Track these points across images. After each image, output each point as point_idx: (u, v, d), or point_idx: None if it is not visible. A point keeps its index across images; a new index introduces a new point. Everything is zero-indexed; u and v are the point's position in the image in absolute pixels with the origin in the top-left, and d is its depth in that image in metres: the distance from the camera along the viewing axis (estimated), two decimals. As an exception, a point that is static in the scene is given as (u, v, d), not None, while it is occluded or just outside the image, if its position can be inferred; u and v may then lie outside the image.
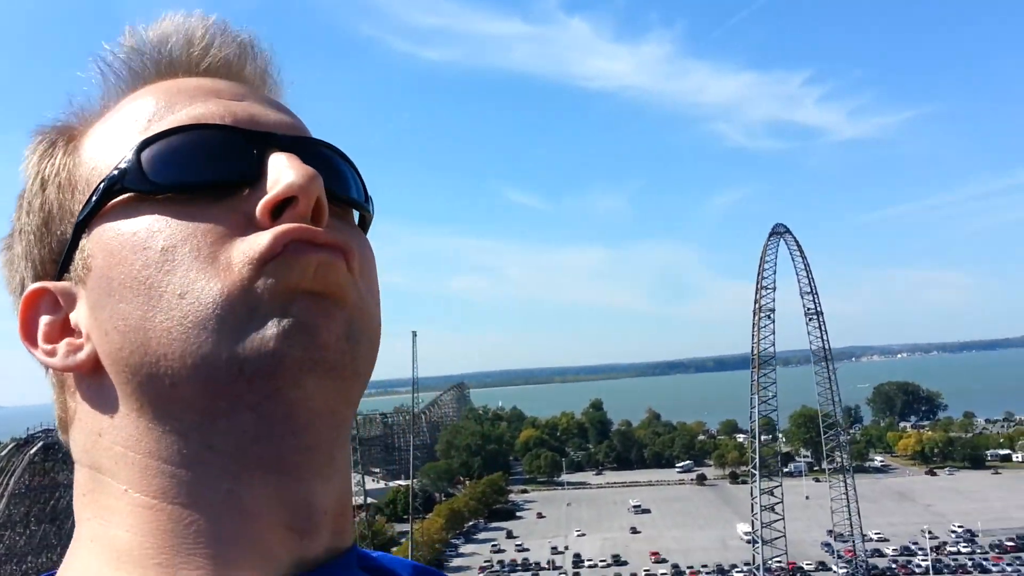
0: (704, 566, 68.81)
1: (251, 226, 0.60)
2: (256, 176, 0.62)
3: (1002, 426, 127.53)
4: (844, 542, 76.37)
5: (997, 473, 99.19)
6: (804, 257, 53.23)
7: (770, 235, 53.21)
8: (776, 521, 51.79)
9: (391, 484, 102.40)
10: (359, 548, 0.69)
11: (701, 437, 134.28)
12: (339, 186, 0.67)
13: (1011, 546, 68.06)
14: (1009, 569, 62.83)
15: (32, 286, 0.65)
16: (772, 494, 52.04)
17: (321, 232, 0.60)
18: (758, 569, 51.89)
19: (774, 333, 52.76)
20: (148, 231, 0.60)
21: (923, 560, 65.46)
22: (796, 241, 53.48)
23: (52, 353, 0.64)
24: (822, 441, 60.66)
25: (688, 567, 68.98)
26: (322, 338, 0.58)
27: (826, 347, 54.90)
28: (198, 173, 0.61)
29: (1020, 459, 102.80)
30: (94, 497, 0.62)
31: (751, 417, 55.95)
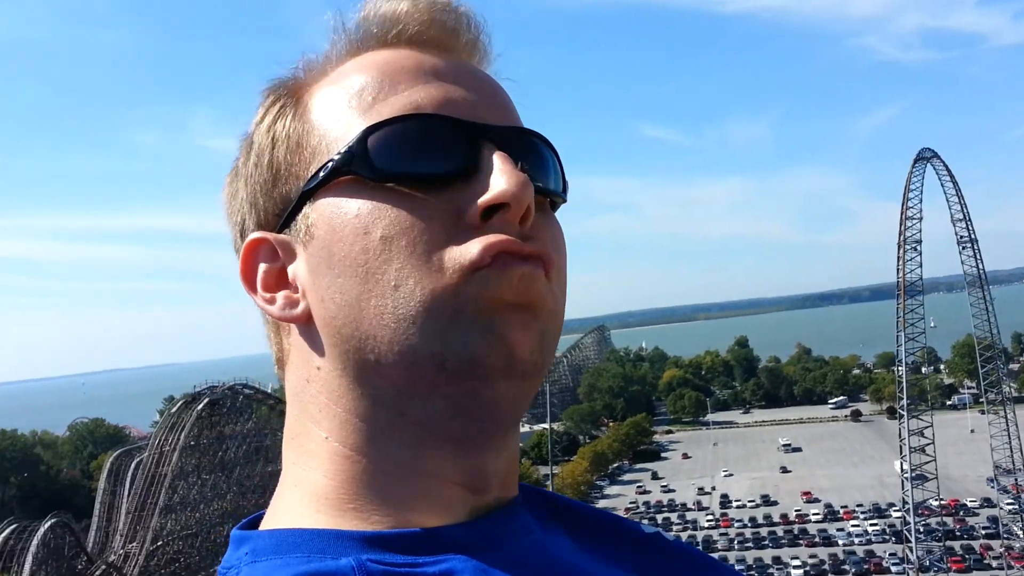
0: (859, 505, 66.28)
1: (461, 222, 0.64)
2: (471, 171, 0.65)
3: None
4: (1009, 477, 71.97)
5: None
6: (955, 182, 48.88)
7: (915, 161, 48.97)
8: (928, 463, 49.12)
9: (535, 428, 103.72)
10: (523, 484, 0.77)
11: (856, 371, 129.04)
12: (543, 179, 0.71)
13: None
14: None
15: (255, 234, 0.71)
16: (923, 435, 49.28)
17: (527, 246, 0.64)
18: (908, 512, 49.49)
19: (921, 266, 49.23)
20: (370, 217, 0.64)
21: (1105, 496, 60.39)
22: (945, 165, 49.16)
23: (271, 301, 0.70)
24: (979, 373, 56.59)
25: (842, 506, 66.60)
26: (518, 350, 0.63)
27: (981, 275, 50.85)
28: (418, 165, 0.65)
29: None
30: (300, 442, 0.69)
31: (897, 355, 52.85)
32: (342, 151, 0.66)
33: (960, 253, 50.20)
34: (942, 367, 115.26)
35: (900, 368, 51.77)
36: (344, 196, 0.66)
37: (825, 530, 61.62)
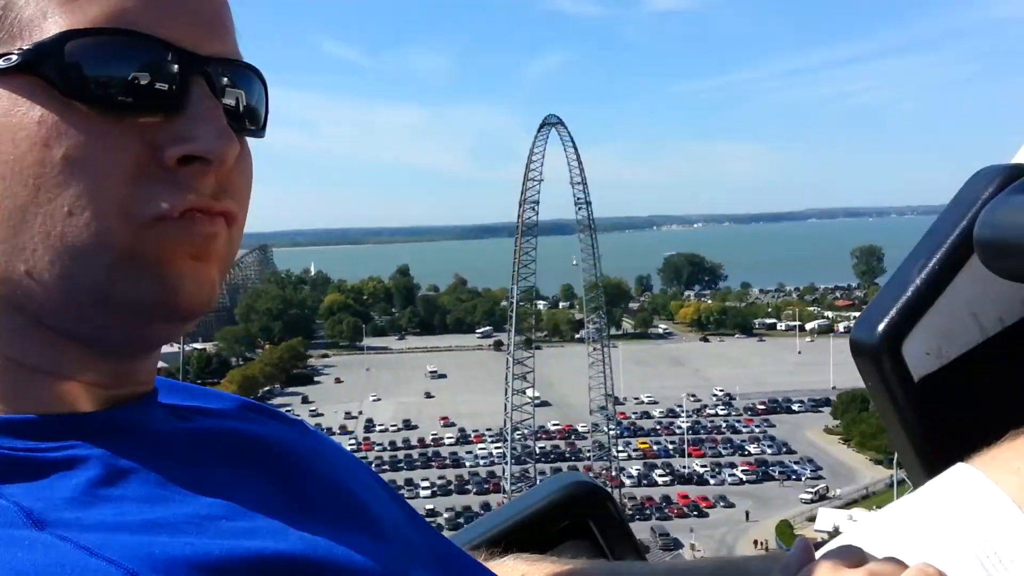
0: (488, 429, 72.37)
1: (155, 161, 0.58)
2: (177, 108, 0.59)
3: (774, 296, 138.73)
4: (620, 404, 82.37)
5: (762, 341, 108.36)
6: (576, 148, 54.84)
7: (540, 127, 54.03)
8: (528, 388, 56.48)
9: (186, 347, 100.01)
10: (160, 378, 0.74)
11: (504, 303, 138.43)
12: (253, 120, 0.67)
13: (762, 409, 75.09)
14: (757, 430, 69.47)
15: None
16: (524, 364, 56.17)
17: (217, 204, 0.61)
18: (506, 436, 56.09)
19: (537, 224, 55.18)
20: (54, 131, 0.56)
21: (684, 422, 71.36)
22: (568, 133, 54.74)
23: None
24: (587, 311, 65.43)
25: (473, 430, 72.32)
26: (185, 302, 0.60)
27: (592, 232, 57.80)
28: (120, 89, 0.57)
29: (783, 328, 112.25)
30: None
31: (510, 299, 58.98)
32: (31, 46, 0.56)
33: (576, 212, 56.39)
34: (575, 303, 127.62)
35: (512, 305, 57.84)
36: (25, 96, 0.56)
37: (456, 453, 66.75)
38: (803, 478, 57.94)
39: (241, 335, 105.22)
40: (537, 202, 53.26)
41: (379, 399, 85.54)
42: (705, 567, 0.88)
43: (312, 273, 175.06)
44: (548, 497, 1.22)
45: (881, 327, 1.00)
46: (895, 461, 51.42)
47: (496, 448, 67.11)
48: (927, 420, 1.01)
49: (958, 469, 0.83)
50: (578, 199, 54.72)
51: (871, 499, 50.64)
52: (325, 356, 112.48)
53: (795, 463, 60.60)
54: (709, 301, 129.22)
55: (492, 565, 0.87)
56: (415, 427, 74.82)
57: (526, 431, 72.53)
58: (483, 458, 65.15)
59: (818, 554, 0.70)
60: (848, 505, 50.31)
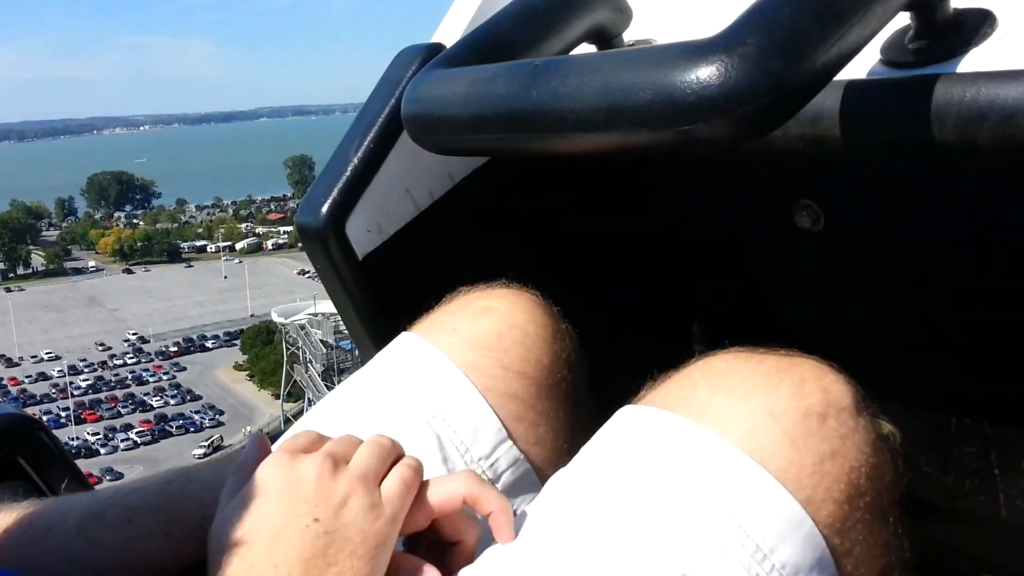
0: None
1: None
2: None
3: (209, 213, 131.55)
4: (16, 366, 72.54)
5: (190, 266, 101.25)
6: None
7: None
8: None
9: None
10: None
11: None
12: None
13: (175, 351, 69.57)
14: (165, 378, 64.38)
15: None
16: None
17: None
18: None
19: None
20: None
21: (85, 380, 64.94)
22: None
23: None
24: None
25: None
26: None
27: None
28: None
29: (214, 249, 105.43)
30: None
31: None
32: None
33: None
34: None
35: None
36: None
37: None
38: (204, 428, 56.37)
39: None
40: None
41: None
42: (154, 481, 0.80)
43: None
44: None
45: (324, 209, 1.03)
46: (281, 397, 52.58)
47: None
48: (373, 296, 1.06)
49: (402, 338, 0.87)
50: None
51: (264, 442, 51.01)
52: None
53: (196, 412, 58.15)
54: (141, 224, 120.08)
55: None
56: None
57: None
58: None
59: (274, 447, 0.69)
60: (241, 454, 50.21)
